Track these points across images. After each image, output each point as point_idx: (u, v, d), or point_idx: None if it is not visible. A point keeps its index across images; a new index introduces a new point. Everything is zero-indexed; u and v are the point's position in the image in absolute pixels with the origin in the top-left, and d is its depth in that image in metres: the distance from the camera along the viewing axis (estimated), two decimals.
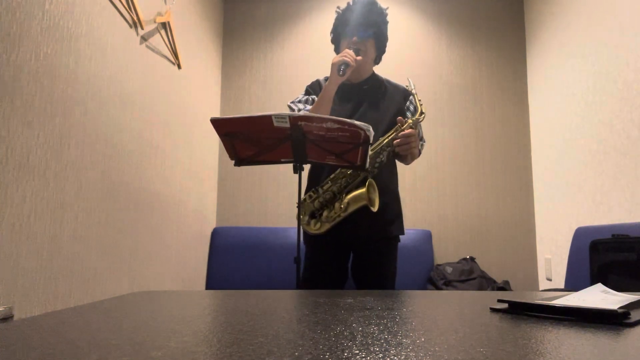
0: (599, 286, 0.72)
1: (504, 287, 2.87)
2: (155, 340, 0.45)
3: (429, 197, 3.20)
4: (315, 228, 1.65)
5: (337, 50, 1.81)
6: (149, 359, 0.38)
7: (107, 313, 0.61)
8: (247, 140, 1.46)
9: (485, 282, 2.87)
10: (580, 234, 2.26)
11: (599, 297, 0.66)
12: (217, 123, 1.40)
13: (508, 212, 3.17)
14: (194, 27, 2.83)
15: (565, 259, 2.70)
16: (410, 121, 1.61)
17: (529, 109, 3.26)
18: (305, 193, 1.72)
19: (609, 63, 2.29)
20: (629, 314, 0.55)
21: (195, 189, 2.84)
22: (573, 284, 2.22)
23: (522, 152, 3.23)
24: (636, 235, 1.72)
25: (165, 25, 2.37)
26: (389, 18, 1.78)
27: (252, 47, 3.43)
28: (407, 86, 1.73)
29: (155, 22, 2.24)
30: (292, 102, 1.78)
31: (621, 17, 2.20)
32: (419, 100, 1.66)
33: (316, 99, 1.72)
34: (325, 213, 1.63)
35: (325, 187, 1.65)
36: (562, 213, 2.77)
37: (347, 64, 1.60)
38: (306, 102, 1.77)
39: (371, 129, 1.36)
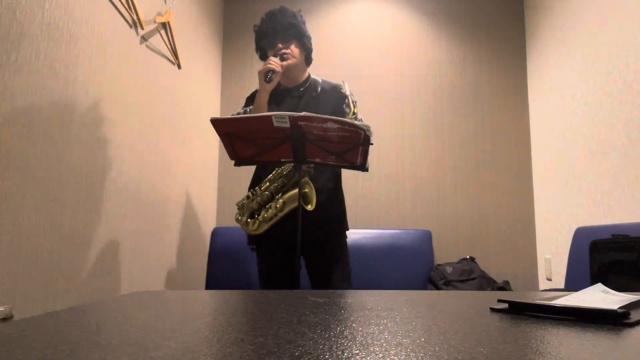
0: (599, 286, 0.72)
1: (504, 287, 2.87)
2: (155, 340, 0.45)
3: (429, 197, 3.20)
4: (253, 228, 1.68)
5: None
6: (149, 359, 0.38)
7: (107, 313, 0.61)
8: (247, 140, 1.46)
9: (485, 282, 2.87)
10: (580, 234, 2.26)
11: (599, 297, 0.66)
12: (217, 123, 1.40)
13: (508, 212, 3.17)
14: (194, 27, 2.83)
15: (565, 259, 2.70)
16: None
17: (529, 109, 3.26)
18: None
19: (609, 63, 2.29)
20: (629, 314, 0.55)
21: (195, 189, 2.84)
22: (573, 284, 2.22)
23: (522, 152, 3.22)
24: (636, 235, 1.72)
25: (165, 25, 2.37)
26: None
27: (252, 47, 3.42)
28: (341, 88, 1.75)
29: (155, 22, 2.24)
30: (232, 115, 1.81)
31: (621, 17, 2.20)
32: (353, 102, 1.69)
33: None
34: (262, 213, 1.67)
35: (263, 188, 1.69)
36: (562, 213, 2.77)
37: (272, 71, 1.66)
38: (245, 113, 1.80)
39: (371, 128, 1.37)
